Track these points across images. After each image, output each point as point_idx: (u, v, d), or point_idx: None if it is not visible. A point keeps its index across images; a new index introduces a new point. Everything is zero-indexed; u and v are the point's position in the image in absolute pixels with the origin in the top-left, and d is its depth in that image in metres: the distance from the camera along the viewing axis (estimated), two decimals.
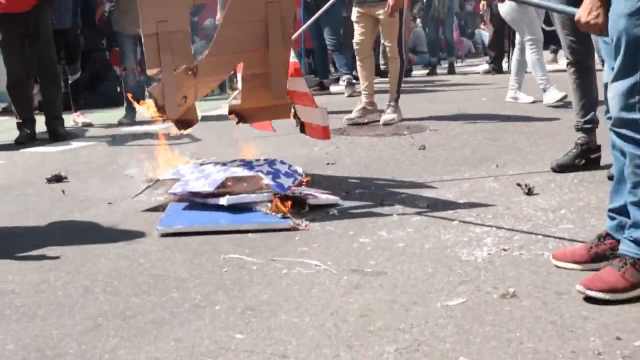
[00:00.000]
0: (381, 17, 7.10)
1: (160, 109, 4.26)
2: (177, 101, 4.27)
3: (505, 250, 3.22)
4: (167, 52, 4.14)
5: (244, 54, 4.38)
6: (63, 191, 4.88)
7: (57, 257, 3.46)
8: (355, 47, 7.52)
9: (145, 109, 4.55)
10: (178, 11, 4.24)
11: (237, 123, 4.86)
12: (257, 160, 4.37)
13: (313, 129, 4.74)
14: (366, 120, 7.39)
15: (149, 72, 4.49)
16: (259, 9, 4.26)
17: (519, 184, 4.24)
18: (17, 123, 7.50)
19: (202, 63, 4.30)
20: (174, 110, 4.27)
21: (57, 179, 5.26)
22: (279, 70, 4.43)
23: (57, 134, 7.49)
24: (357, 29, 7.38)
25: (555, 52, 13.39)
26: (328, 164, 5.30)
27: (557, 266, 2.96)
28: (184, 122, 4.56)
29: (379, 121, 7.28)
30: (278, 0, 4.27)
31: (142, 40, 4.17)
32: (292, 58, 4.62)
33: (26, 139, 7.34)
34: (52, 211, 4.40)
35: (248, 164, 4.28)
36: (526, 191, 4.18)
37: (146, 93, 4.37)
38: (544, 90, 7.76)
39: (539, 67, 7.80)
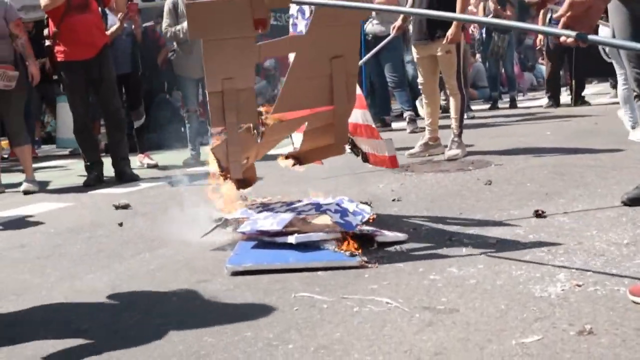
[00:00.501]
0: (438, 54, 7.15)
1: (224, 169, 4.27)
2: (241, 161, 4.28)
3: (579, 286, 3.14)
4: (232, 111, 4.07)
5: (308, 114, 4.39)
6: (120, 224, 5.14)
7: (129, 298, 3.52)
8: (419, 86, 7.65)
9: (209, 162, 4.56)
10: (244, 68, 4.11)
11: (293, 166, 4.89)
12: (325, 198, 4.37)
13: (379, 158, 4.74)
14: (427, 155, 7.40)
15: (213, 130, 4.50)
16: (324, 64, 4.23)
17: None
18: (85, 166, 7.70)
19: (269, 127, 4.30)
20: (237, 171, 4.26)
21: (124, 206, 5.81)
22: (342, 122, 4.44)
23: (124, 175, 7.65)
24: (420, 69, 7.52)
25: (615, 86, 13.14)
26: (394, 200, 5.27)
27: (634, 302, 2.88)
28: (244, 181, 4.51)
29: (442, 155, 7.26)
30: (342, 55, 4.25)
31: (207, 91, 4.14)
32: (357, 90, 4.63)
33: (94, 181, 7.51)
34: (122, 252, 4.47)
35: (316, 203, 4.29)
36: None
37: (209, 151, 4.35)
38: (633, 127, 7.49)
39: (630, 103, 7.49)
